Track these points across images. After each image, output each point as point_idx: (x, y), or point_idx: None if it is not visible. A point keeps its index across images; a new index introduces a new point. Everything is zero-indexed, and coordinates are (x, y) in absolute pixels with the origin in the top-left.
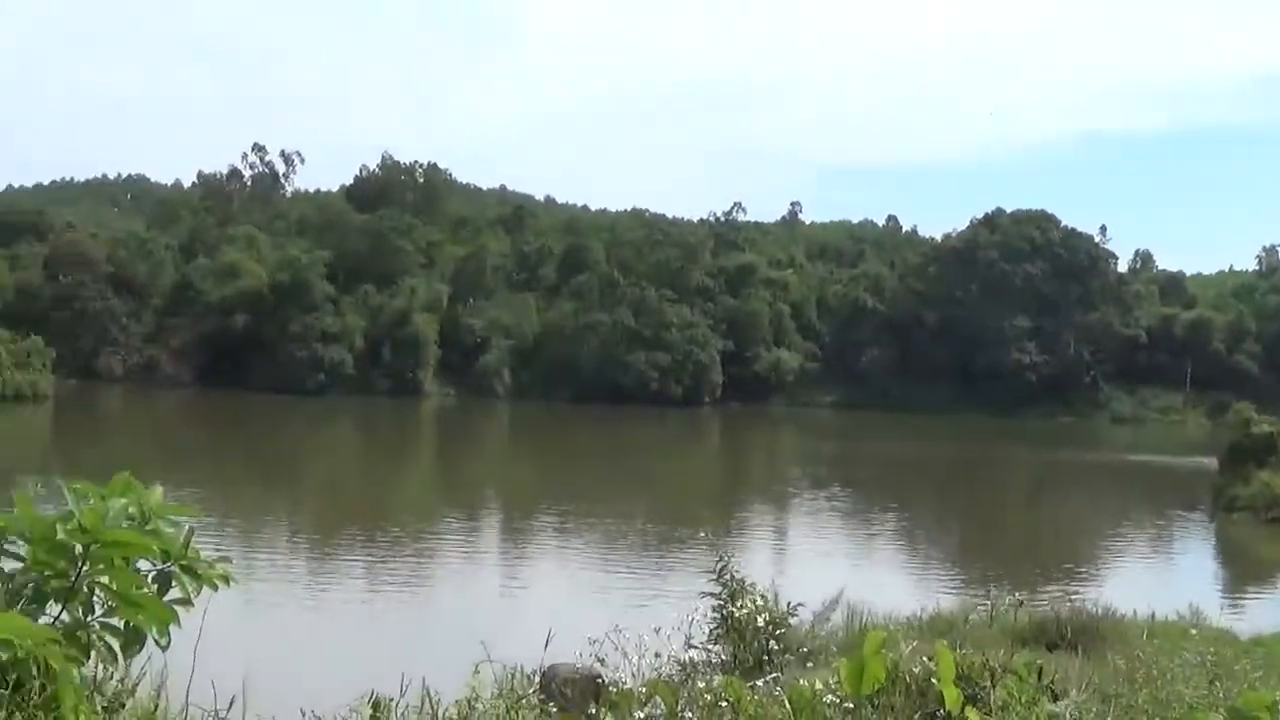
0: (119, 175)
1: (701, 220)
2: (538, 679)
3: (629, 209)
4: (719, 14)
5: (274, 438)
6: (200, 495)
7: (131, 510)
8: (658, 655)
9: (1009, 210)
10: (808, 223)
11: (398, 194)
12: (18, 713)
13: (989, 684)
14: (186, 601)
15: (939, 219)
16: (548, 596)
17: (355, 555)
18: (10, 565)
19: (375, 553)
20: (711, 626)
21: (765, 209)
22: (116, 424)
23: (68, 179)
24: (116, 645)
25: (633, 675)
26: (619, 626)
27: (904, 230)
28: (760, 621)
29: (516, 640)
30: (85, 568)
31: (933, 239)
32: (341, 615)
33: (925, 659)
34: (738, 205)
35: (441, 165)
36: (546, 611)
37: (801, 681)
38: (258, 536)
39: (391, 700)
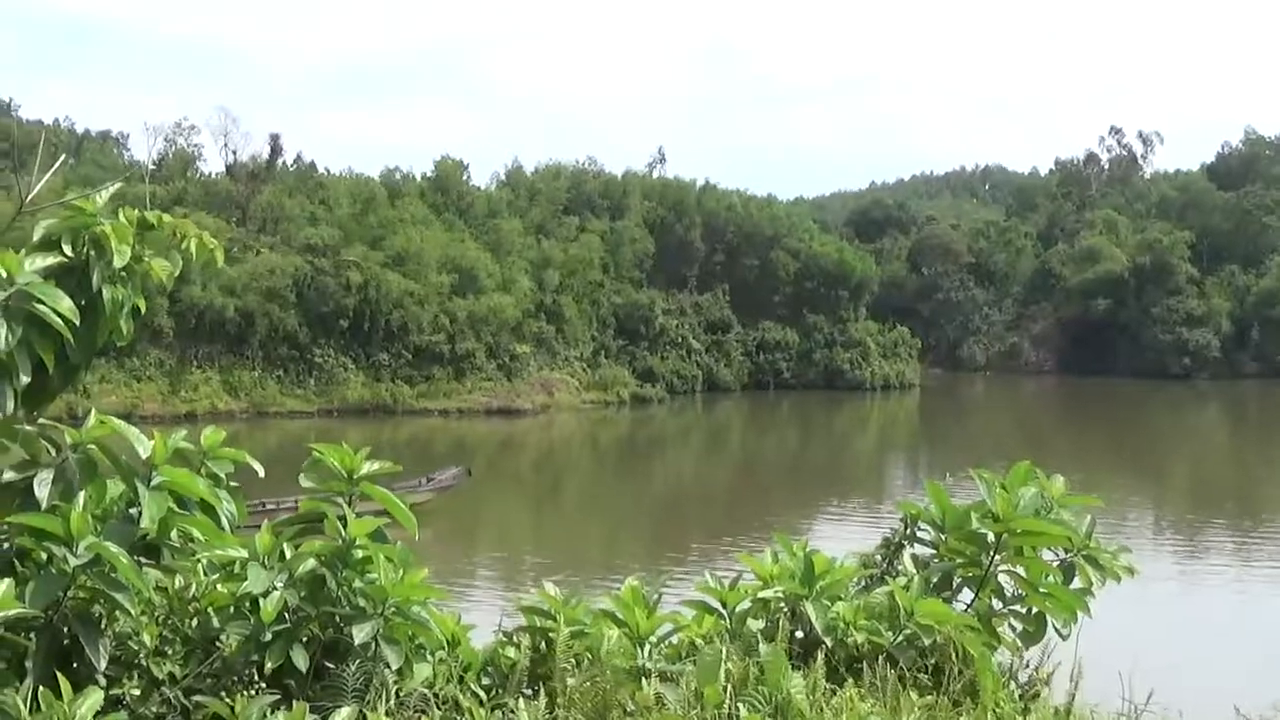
0: (976, 166)
1: None
2: None
3: None
4: None
5: (1138, 423)
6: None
7: (1039, 499)
8: None
9: None
10: None
11: (1263, 169)
12: (943, 696)
13: None
14: (1088, 591)
15: None
16: None
17: (1225, 545)
18: (921, 552)
19: (1247, 543)
20: None
21: None
22: (978, 411)
23: (927, 173)
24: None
25: None
26: None
27: None
28: None
29: None
30: (996, 556)
31: None
32: (1216, 606)
33: None
34: None
35: None
36: None
37: None
38: (1124, 522)
39: None
